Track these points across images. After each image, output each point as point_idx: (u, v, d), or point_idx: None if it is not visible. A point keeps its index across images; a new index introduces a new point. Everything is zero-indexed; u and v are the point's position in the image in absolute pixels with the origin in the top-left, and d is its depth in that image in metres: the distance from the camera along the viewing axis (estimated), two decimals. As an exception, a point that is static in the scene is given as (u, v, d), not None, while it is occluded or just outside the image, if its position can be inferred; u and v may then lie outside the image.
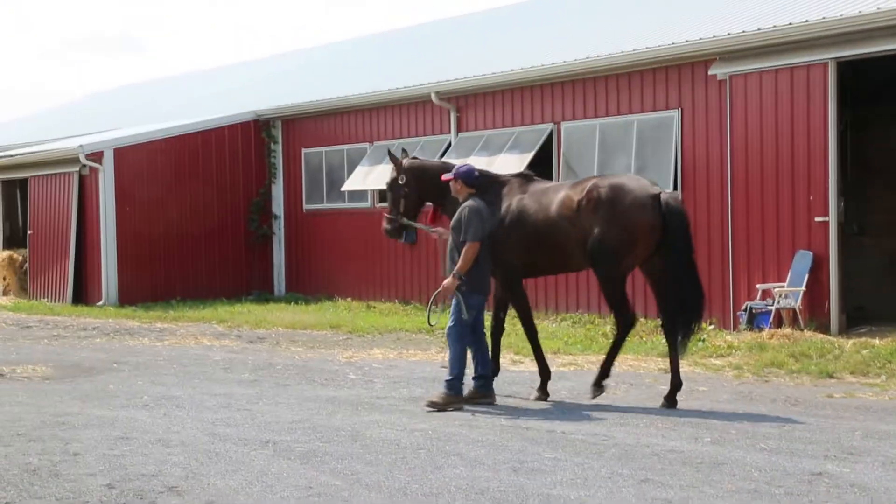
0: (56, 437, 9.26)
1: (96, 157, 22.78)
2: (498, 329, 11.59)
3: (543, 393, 11.12)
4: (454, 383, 10.48)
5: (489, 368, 10.90)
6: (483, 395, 10.73)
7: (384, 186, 13.17)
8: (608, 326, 16.52)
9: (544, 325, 17.34)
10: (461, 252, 10.40)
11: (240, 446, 8.86)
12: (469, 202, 10.60)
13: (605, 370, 10.94)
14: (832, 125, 14.73)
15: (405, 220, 11.69)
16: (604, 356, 11.05)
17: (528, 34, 23.45)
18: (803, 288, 14.71)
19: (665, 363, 13.30)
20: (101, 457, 8.48)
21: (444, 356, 13.94)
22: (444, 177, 11.07)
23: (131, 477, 7.81)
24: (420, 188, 11.68)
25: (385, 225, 11.84)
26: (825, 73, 14.74)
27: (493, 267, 10.84)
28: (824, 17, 14.57)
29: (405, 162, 11.82)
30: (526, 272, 11.33)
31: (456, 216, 10.64)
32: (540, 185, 11.31)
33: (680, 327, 10.61)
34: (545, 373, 11.22)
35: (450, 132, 20.61)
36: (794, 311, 14.72)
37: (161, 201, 23.42)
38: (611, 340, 11.37)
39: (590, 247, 10.55)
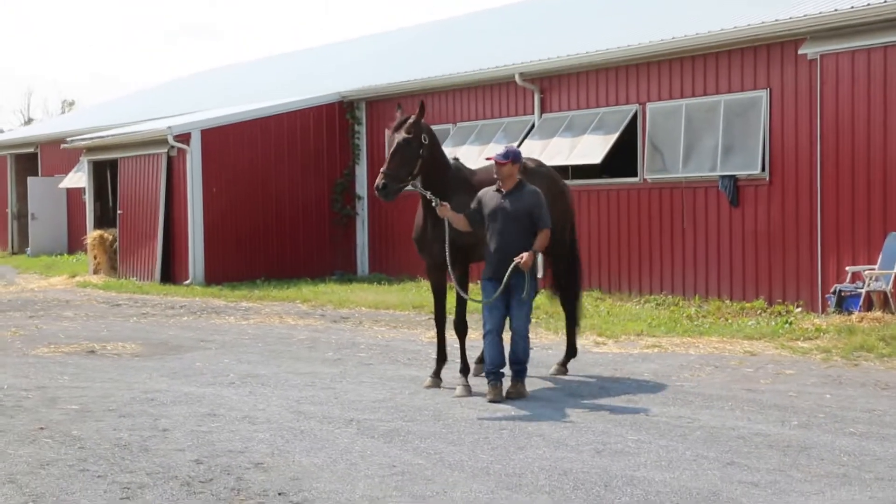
0: (145, 413, 9.44)
1: (184, 138, 23.09)
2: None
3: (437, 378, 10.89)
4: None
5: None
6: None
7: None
8: (693, 309, 16.38)
9: (627, 306, 17.23)
10: (520, 234, 9.99)
11: (324, 424, 8.94)
12: (535, 188, 10.31)
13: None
14: (926, 104, 14.37)
15: (417, 185, 10.51)
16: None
17: (613, 14, 23.23)
18: (895, 271, 14.40)
19: (751, 346, 13.17)
20: (189, 433, 8.63)
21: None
22: (496, 158, 10.19)
23: (218, 453, 7.93)
24: (434, 158, 10.71)
25: (384, 181, 10.26)
26: (919, 51, 14.38)
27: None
28: (919, -6, 14.21)
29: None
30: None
31: (523, 199, 10.06)
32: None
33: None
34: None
35: (533, 113, 20.52)
36: (884, 294, 14.42)
37: (246, 182, 23.67)
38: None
39: None
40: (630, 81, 18.73)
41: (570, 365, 11.73)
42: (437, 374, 10.86)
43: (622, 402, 9.92)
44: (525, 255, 9.83)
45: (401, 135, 10.57)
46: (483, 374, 11.05)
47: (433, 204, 10.33)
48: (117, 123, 31.51)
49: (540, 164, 12.02)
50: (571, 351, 11.85)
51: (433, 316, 11.25)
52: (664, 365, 12.00)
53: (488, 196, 10.28)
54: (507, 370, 10.19)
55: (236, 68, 41.60)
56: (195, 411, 9.53)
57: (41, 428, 8.82)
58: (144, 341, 14.61)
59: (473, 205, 10.34)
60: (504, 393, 10.05)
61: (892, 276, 14.39)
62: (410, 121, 10.66)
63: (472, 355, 11.21)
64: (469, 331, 11.01)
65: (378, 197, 10.43)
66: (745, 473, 7.23)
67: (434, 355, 11.15)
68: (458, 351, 10.85)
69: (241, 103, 27.63)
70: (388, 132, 10.64)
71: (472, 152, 20.83)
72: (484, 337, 10.15)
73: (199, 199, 23.08)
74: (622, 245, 18.70)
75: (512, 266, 9.82)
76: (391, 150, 10.52)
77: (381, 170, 10.43)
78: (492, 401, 9.89)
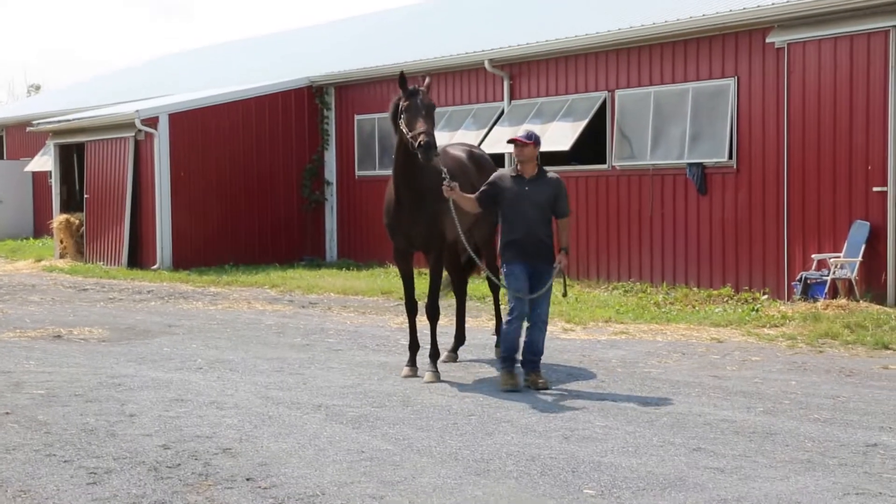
0: (112, 398, 9.40)
1: (151, 122, 22.95)
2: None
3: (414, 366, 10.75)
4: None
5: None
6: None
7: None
8: (660, 295, 16.47)
9: (595, 293, 17.31)
10: (542, 221, 9.88)
11: (292, 410, 8.94)
12: (557, 175, 10.13)
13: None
14: (892, 94, 14.47)
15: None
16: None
17: (582, 1, 23.24)
18: (860, 258, 14.53)
19: (718, 333, 13.26)
20: (156, 418, 8.61)
21: (495, 324, 13.99)
22: (520, 138, 10.02)
23: (186, 438, 7.92)
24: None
25: (431, 140, 9.76)
26: (886, 41, 14.48)
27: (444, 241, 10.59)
28: (886, -16, 14.31)
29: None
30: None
31: (546, 187, 9.91)
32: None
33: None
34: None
35: (503, 100, 20.53)
36: (849, 281, 14.56)
37: (215, 167, 23.58)
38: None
39: None
40: (599, 68, 18.77)
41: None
42: (413, 363, 10.69)
43: (590, 388, 9.97)
44: (564, 258, 9.88)
45: (429, 100, 10.14)
46: (448, 360, 11.10)
47: (445, 182, 9.96)
48: (85, 106, 31.26)
49: (472, 148, 12.04)
50: (461, 337, 11.80)
51: (403, 302, 11.22)
52: (632, 352, 12.07)
53: (506, 181, 10.03)
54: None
55: (205, 52, 41.33)
56: (162, 396, 9.50)
57: (7, 413, 8.77)
58: (111, 326, 14.54)
59: (485, 187, 10.12)
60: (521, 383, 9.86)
61: (857, 263, 14.53)
62: (427, 89, 10.26)
63: (442, 341, 11.20)
64: (440, 316, 10.94)
65: (422, 156, 9.74)
66: (710, 459, 7.29)
67: (405, 342, 11.15)
68: (429, 336, 10.73)
69: (211, 87, 27.48)
70: (407, 98, 10.05)
71: (441, 138, 20.72)
72: (508, 322, 9.96)
73: (166, 183, 22.96)
74: (590, 232, 18.77)
75: (556, 271, 9.83)
76: (424, 112, 9.96)
77: (421, 129, 9.78)
78: (509, 390, 9.70)
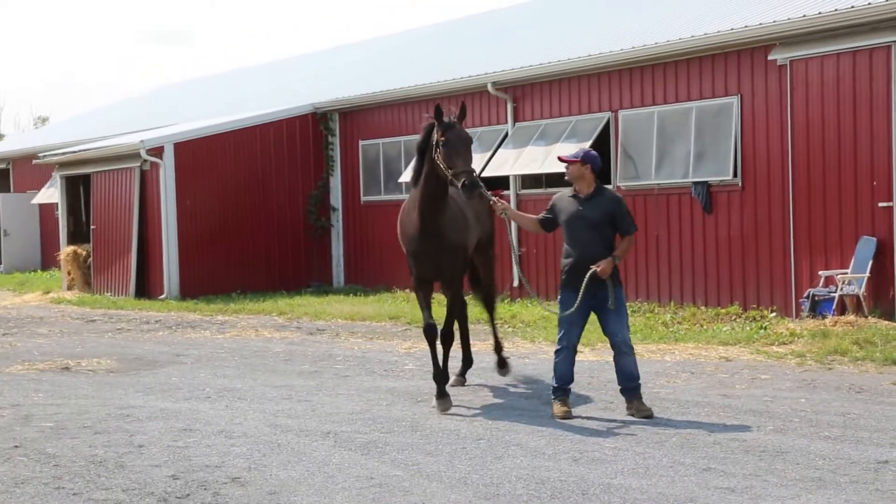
0: (121, 429, 9.39)
1: (157, 152, 23.02)
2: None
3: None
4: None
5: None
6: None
7: None
8: (668, 315, 16.44)
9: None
10: (600, 242, 9.61)
11: (301, 437, 8.93)
12: (616, 193, 10.02)
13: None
14: (895, 109, 14.48)
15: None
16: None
17: (584, 23, 23.33)
18: (867, 274, 14.50)
19: (727, 351, 13.22)
20: (165, 448, 8.59)
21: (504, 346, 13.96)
22: (567, 157, 9.83)
23: (195, 468, 7.90)
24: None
25: (474, 180, 9.64)
26: (889, 56, 14.49)
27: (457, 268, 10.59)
28: (886, -1, 14.34)
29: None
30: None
31: (603, 205, 9.65)
32: None
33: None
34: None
35: (506, 122, 20.56)
36: (857, 297, 14.52)
37: (221, 195, 23.63)
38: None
39: None
40: (602, 89, 18.81)
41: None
42: (444, 395, 10.20)
43: (599, 409, 9.94)
44: (603, 263, 9.50)
45: (466, 133, 9.97)
46: (456, 384, 11.04)
47: (499, 211, 10.02)
48: (90, 137, 31.39)
49: None
50: (468, 360, 11.82)
51: (411, 327, 11.20)
52: (642, 371, 12.00)
53: (564, 201, 9.83)
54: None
55: (209, 80, 41.51)
56: (171, 426, 9.49)
57: (15, 446, 8.76)
58: (119, 357, 14.55)
59: (546, 211, 9.98)
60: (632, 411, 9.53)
61: (865, 279, 14.49)
62: (461, 119, 10.13)
63: (451, 364, 11.15)
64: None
65: (466, 196, 9.66)
66: (721, 479, 7.26)
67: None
68: (441, 361, 10.44)
69: (215, 115, 27.57)
70: (444, 132, 9.81)
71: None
72: (557, 352, 9.76)
73: (173, 212, 23.01)
74: (597, 252, 18.72)
75: (588, 274, 9.47)
76: (463, 148, 9.83)
77: (463, 168, 9.63)
78: (562, 418, 9.46)
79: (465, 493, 7.08)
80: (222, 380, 12.29)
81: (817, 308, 14.84)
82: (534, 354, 13.62)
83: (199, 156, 23.47)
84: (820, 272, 15.13)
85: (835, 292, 14.68)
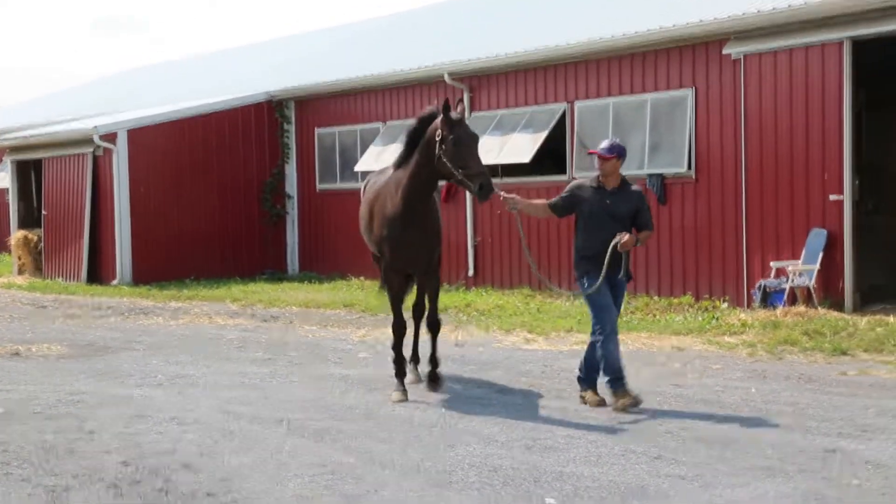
0: (71, 415, 9.32)
1: (110, 137, 22.79)
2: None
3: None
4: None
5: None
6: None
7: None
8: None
9: (557, 304, 17.34)
10: (624, 231, 9.34)
11: (254, 424, 8.90)
12: (639, 188, 9.76)
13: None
14: (847, 104, 14.65)
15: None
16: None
17: (541, 14, 23.35)
18: (817, 266, 14.67)
19: (679, 341, 13.33)
20: (116, 435, 8.54)
21: (458, 335, 14.00)
22: (600, 152, 9.53)
23: (146, 455, 7.86)
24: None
25: (489, 183, 9.39)
26: (840, 52, 14.65)
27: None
28: (839, -5, 14.49)
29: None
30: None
31: (628, 200, 9.50)
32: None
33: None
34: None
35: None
36: (808, 289, 14.69)
37: (174, 182, 23.44)
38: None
39: None
40: (559, 80, 18.85)
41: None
42: (403, 387, 10.17)
43: (552, 398, 9.99)
44: (626, 235, 9.28)
45: (473, 131, 9.72)
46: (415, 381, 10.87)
47: (509, 207, 9.70)
48: (42, 122, 31.03)
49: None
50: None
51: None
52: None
53: (586, 191, 9.58)
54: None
55: (164, 67, 41.17)
56: (122, 413, 9.43)
57: (-36, 432, 8.67)
58: (71, 343, 14.41)
59: (565, 195, 9.67)
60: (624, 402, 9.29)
61: (815, 271, 14.66)
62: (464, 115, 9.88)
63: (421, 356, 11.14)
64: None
65: (480, 199, 9.46)
66: (672, 467, 7.33)
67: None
68: (430, 348, 10.41)
69: (170, 102, 27.33)
70: (451, 129, 9.51)
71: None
72: (603, 342, 9.44)
73: (125, 199, 22.79)
74: (552, 242, 18.79)
75: (612, 244, 9.26)
76: (476, 146, 9.63)
77: (478, 170, 9.37)
78: (632, 407, 9.22)
79: (418, 481, 7.10)
80: (175, 366, 12.22)
81: (768, 299, 15.00)
82: (488, 343, 13.66)
83: (154, 142, 23.25)
84: (771, 263, 15.29)
85: (786, 284, 14.84)
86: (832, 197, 14.80)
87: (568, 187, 9.83)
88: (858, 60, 14.83)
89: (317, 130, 24.16)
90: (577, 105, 18.44)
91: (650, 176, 17.08)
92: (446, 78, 20.35)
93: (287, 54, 31.45)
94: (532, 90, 19.33)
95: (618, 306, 9.72)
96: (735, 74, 15.99)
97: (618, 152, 9.55)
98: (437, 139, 9.57)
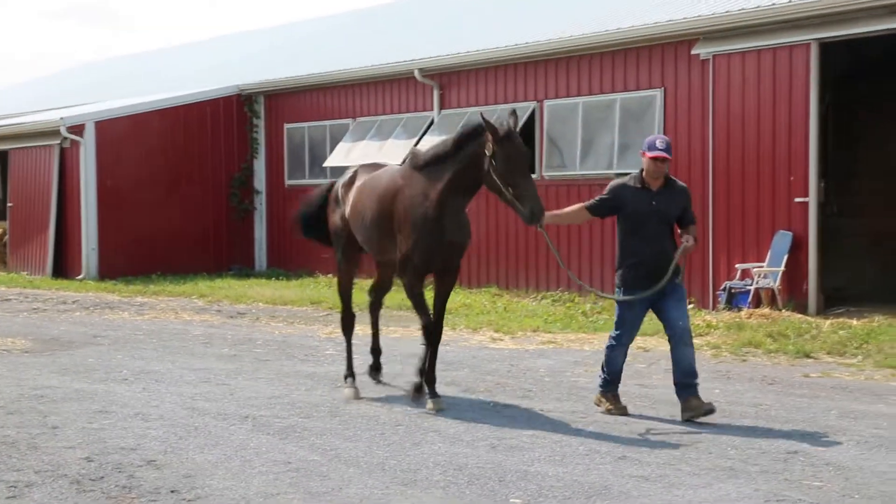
0: (34, 410, 9.25)
1: (77, 129, 22.66)
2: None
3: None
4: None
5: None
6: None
7: (365, 162, 11.64)
8: (588, 305, 16.58)
9: (524, 303, 17.39)
10: (669, 236, 8.97)
11: (219, 421, 8.87)
12: (684, 184, 9.37)
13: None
14: (813, 106, 14.78)
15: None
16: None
17: (512, 12, 23.38)
18: (782, 268, 14.79)
19: (644, 342, 13.38)
20: (79, 430, 8.48)
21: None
22: (661, 154, 8.99)
23: (110, 450, 7.81)
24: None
25: (542, 209, 9.13)
26: (808, 54, 14.77)
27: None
28: (807, -1, 14.60)
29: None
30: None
31: (675, 198, 9.04)
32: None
33: None
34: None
35: (433, 109, 20.57)
36: (772, 291, 14.80)
37: (142, 175, 23.33)
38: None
39: None
40: (528, 78, 18.90)
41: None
42: (354, 385, 10.18)
43: (517, 397, 10.01)
44: (691, 240, 8.84)
45: (524, 146, 9.22)
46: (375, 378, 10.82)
47: (539, 227, 9.21)
48: (8, 113, 30.75)
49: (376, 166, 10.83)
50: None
51: (342, 315, 11.09)
52: (559, 361, 12.14)
53: (629, 192, 9.01)
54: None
55: (133, 59, 40.89)
56: (86, 408, 9.37)
57: (-75, 426, 8.60)
58: (35, 337, 14.31)
59: (606, 196, 9.17)
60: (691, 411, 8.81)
61: (780, 273, 14.77)
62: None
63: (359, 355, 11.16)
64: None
65: (527, 223, 9.13)
66: (636, 467, 7.36)
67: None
68: (428, 358, 9.82)
69: (139, 95, 27.18)
70: (501, 142, 9.04)
71: (371, 147, 20.87)
72: (613, 347, 9.17)
73: (92, 192, 22.67)
74: (519, 242, 18.85)
75: (677, 252, 8.80)
76: (527, 163, 9.32)
77: (527, 191, 8.99)
78: (620, 413, 9.11)
79: (383, 479, 7.10)
80: (140, 362, 12.16)
81: (733, 300, 15.11)
82: (454, 342, 13.66)
83: (122, 135, 23.13)
84: (737, 265, 15.40)
85: (751, 285, 14.94)
86: (798, 199, 14.92)
87: (608, 187, 9.27)
88: (825, 63, 14.96)
89: (286, 126, 24.10)
90: (547, 104, 18.50)
91: (619, 175, 17.12)
92: (416, 75, 20.36)
93: (258, 48, 31.34)
94: (502, 88, 19.37)
95: (682, 313, 8.98)
96: (704, 75, 16.10)
97: (669, 151, 9.07)
98: (488, 153, 9.06)
